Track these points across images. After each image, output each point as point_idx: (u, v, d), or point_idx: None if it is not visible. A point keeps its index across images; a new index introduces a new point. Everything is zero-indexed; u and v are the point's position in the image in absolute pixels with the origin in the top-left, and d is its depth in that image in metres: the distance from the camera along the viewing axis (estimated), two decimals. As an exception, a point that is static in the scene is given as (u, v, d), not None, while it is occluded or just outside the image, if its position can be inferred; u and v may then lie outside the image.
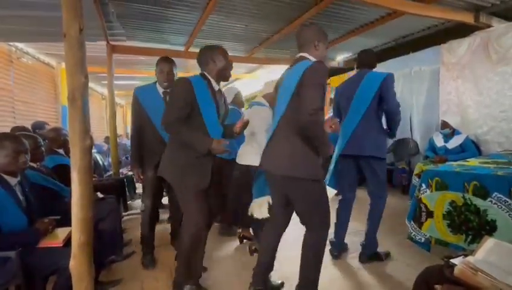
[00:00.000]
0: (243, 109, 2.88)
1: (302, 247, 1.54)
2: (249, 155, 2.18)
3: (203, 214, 1.59)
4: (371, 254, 2.12)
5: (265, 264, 1.66)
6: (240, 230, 2.52)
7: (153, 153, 1.99)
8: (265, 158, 1.59)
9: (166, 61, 2.05)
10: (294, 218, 1.62)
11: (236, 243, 2.50)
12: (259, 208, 1.99)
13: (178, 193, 1.62)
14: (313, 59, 1.50)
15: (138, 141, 2.04)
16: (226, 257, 2.28)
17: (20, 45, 4.07)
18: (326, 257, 2.22)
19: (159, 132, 1.96)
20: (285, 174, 1.46)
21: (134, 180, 1.93)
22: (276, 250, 1.68)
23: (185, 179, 1.57)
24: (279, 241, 1.68)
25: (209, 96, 1.58)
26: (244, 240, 2.47)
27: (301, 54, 1.57)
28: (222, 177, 2.45)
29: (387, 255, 2.19)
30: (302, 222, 1.57)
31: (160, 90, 2.06)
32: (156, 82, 2.08)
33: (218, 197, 2.51)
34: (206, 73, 1.63)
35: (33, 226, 1.47)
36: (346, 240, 2.27)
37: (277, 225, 1.68)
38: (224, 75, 1.66)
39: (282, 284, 1.80)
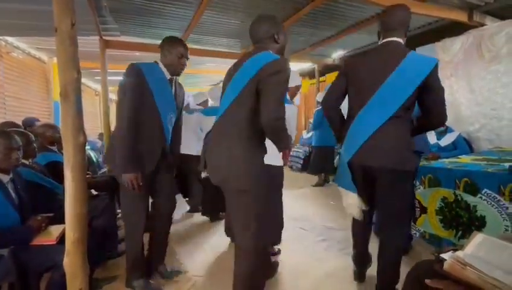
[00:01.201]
0: None
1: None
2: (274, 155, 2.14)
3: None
4: None
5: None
6: None
7: (153, 151, 1.62)
8: (372, 152, 1.38)
9: (186, 45, 1.75)
10: (297, 217, 1.60)
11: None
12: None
13: (254, 199, 1.25)
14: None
15: (135, 133, 1.51)
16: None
17: (10, 39, 3.98)
18: (320, 251, 2.25)
19: (162, 124, 1.64)
20: (399, 168, 1.35)
21: (126, 187, 1.51)
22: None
23: (265, 181, 1.30)
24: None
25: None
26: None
27: (394, 39, 1.41)
28: None
29: None
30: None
31: (167, 74, 1.72)
32: (156, 62, 1.72)
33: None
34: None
35: (26, 223, 1.46)
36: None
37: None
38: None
39: None
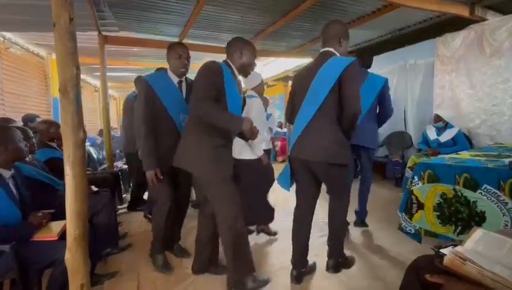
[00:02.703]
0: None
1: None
2: (247, 149, 2.17)
3: (238, 203, 1.57)
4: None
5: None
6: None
7: (171, 149, 1.75)
8: (300, 147, 1.64)
9: (182, 45, 1.90)
10: (288, 210, 1.63)
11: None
12: None
13: (206, 184, 1.59)
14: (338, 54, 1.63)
15: (153, 135, 1.80)
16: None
17: (8, 35, 3.95)
18: (318, 247, 2.26)
19: (176, 125, 1.86)
20: (326, 160, 1.57)
21: (149, 182, 1.81)
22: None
23: (216, 166, 1.53)
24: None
25: (234, 84, 1.62)
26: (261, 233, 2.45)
27: (327, 49, 1.66)
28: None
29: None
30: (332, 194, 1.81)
31: (175, 79, 1.90)
32: (165, 70, 1.94)
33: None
34: (230, 62, 1.68)
35: (27, 220, 1.46)
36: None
37: (307, 206, 1.81)
38: (246, 70, 1.74)
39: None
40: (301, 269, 1.78)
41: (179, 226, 2.17)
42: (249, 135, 1.43)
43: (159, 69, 2.29)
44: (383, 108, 2.27)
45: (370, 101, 1.98)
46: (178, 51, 1.85)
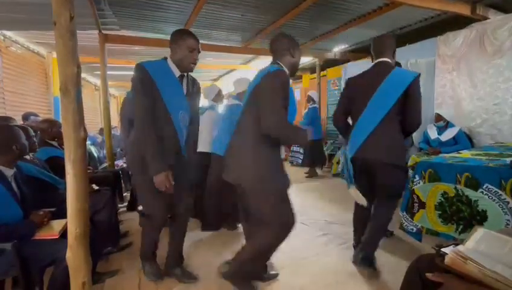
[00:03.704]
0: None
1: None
2: None
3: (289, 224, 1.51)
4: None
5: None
6: None
7: (169, 153, 1.58)
8: (368, 148, 1.72)
9: (195, 37, 1.60)
10: (298, 212, 1.60)
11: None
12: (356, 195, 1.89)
13: (262, 199, 1.47)
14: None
15: (156, 132, 1.51)
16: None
17: (8, 33, 3.95)
18: (319, 246, 2.27)
19: (174, 126, 1.59)
20: (393, 162, 1.71)
21: (162, 189, 1.52)
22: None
23: (275, 180, 1.48)
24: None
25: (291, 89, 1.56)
26: None
27: (384, 60, 1.79)
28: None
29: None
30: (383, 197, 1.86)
31: (176, 72, 1.60)
32: (165, 59, 1.62)
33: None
34: (281, 64, 1.57)
35: (28, 218, 1.47)
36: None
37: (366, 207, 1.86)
38: (294, 71, 1.62)
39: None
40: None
41: (179, 245, 1.85)
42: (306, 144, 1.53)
43: None
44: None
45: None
46: (191, 44, 1.57)
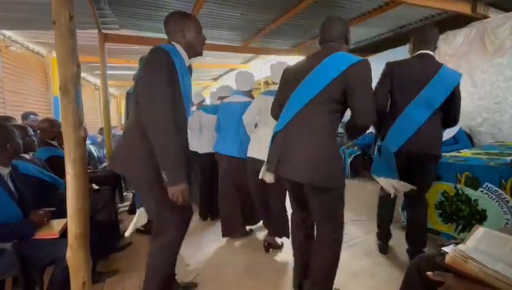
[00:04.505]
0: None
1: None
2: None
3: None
4: None
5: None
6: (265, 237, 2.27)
7: (186, 154, 1.35)
8: (415, 143, 1.68)
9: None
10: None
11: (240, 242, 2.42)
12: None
13: (336, 197, 1.34)
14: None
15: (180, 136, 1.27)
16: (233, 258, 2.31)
17: (8, 33, 3.94)
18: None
19: (187, 120, 1.43)
20: (436, 153, 1.75)
21: (176, 200, 1.21)
22: None
23: (341, 173, 1.37)
24: None
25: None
26: (270, 249, 2.18)
27: (428, 52, 1.75)
28: (241, 178, 2.28)
29: None
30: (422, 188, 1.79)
31: (186, 60, 1.38)
32: (172, 44, 1.36)
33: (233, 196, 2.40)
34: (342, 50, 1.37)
35: (28, 218, 1.47)
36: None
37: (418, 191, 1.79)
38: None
39: None
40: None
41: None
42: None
43: None
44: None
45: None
46: (197, 23, 1.40)
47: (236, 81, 2.44)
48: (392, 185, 1.76)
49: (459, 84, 1.70)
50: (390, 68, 1.81)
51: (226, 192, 2.41)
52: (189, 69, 1.44)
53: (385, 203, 2.01)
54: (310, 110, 1.29)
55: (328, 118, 1.29)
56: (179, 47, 1.36)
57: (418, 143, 1.68)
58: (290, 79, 1.41)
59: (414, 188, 1.73)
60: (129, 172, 1.35)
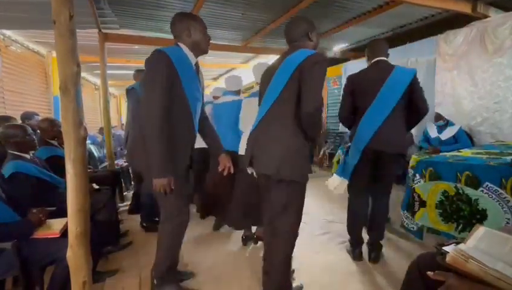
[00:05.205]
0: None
1: None
2: None
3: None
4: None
5: None
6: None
7: (187, 149, 1.50)
8: (378, 141, 1.82)
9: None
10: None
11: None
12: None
13: (294, 188, 1.35)
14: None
15: (169, 132, 1.36)
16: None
17: (8, 33, 3.94)
18: (319, 245, 2.27)
19: (193, 121, 1.50)
20: (400, 151, 1.90)
21: (157, 193, 1.41)
22: None
23: (304, 168, 1.36)
24: None
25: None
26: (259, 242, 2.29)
27: (382, 58, 1.90)
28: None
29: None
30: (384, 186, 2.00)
31: (193, 59, 1.47)
32: (177, 45, 1.46)
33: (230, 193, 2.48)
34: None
35: (25, 217, 1.46)
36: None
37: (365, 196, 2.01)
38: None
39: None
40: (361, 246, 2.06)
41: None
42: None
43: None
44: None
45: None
46: (203, 24, 1.47)
47: (227, 84, 2.68)
48: (339, 183, 1.93)
49: (414, 78, 1.82)
50: (351, 80, 2.01)
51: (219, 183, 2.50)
52: (196, 67, 1.52)
53: (356, 209, 2.04)
54: (277, 108, 1.35)
55: (292, 114, 1.32)
56: (184, 47, 1.45)
57: (382, 142, 1.82)
58: (265, 79, 1.48)
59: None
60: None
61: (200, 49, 1.50)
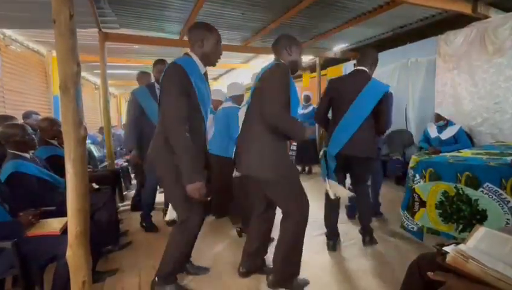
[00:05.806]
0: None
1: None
2: None
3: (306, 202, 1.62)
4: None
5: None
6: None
7: (201, 153, 1.59)
8: (351, 146, 2.00)
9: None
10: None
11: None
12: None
13: (279, 189, 1.58)
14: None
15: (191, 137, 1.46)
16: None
17: (8, 32, 3.93)
18: (318, 245, 2.27)
19: (204, 126, 1.61)
20: (368, 155, 2.09)
21: (195, 196, 1.45)
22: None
23: (289, 170, 1.61)
24: None
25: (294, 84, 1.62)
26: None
27: (363, 68, 2.08)
28: (225, 176, 2.47)
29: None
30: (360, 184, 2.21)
31: (202, 68, 1.56)
32: (188, 55, 1.54)
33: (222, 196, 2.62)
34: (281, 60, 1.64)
35: (15, 219, 1.45)
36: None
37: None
38: (295, 68, 1.68)
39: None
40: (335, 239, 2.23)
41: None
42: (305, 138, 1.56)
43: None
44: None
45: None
46: (218, 36, 1.53)
47: (228, 90, 2.79)
48: (331, 186, 2.03)
49: (385, 95, 1.99)
50: (330, 85, 2.16)
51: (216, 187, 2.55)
52: (205, 76, 1.60)
53: (330, 204, 2.19)
54: (252, 115, 1.60)
55: (261, 121, 1.51)
56: (195, 57, 1.54)
57: (351, 147, 1.99)
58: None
59: (344, 195, 2.06)
60: (157, 170, 1.57)
61: (209, 61, 1.57)
